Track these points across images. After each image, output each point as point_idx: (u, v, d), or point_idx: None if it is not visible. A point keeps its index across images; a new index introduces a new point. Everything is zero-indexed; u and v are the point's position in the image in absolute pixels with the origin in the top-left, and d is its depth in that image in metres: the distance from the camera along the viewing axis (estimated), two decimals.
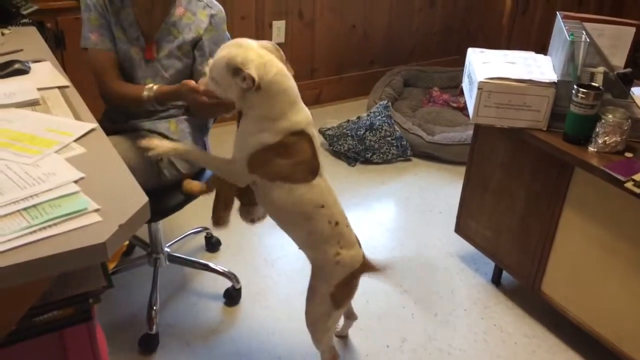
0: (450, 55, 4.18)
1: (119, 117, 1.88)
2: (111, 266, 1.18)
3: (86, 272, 1.10)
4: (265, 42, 1.42)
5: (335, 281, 1.58)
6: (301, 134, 1.44)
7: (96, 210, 1.04)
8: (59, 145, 1.26)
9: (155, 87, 1.72)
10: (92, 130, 1.34)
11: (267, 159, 1.44)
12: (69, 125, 1.36)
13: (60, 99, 1.52)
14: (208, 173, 1.97)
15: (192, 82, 1.60)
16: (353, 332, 1.97)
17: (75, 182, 1.12)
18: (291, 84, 1.42)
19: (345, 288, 1.60)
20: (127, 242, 1.23)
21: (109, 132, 1.81)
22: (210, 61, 1.43)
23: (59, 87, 1.58)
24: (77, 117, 1.42)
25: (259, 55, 1.36)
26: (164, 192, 1.83)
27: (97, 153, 1.25)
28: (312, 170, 1.48)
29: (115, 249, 1.03)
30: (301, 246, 1.61)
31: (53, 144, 1.26)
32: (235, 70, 1.34)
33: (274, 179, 1.47)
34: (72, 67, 1.90)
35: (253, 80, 1.32)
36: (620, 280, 1.71)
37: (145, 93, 1.72)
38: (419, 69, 3.88)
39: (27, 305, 1.00)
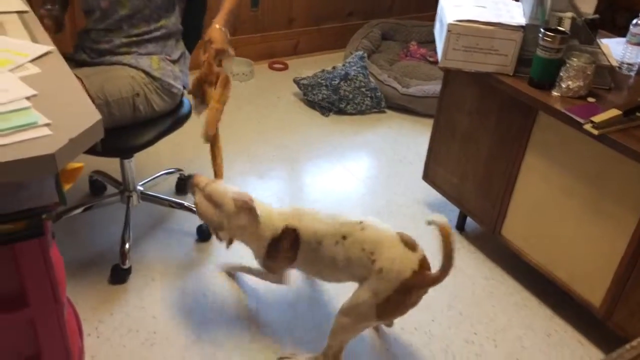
0: (429, 11, 4.14)
1: (94, 52, 1.84)
2: (67, 187, 1.17)
3: (39, 188, 1.09)
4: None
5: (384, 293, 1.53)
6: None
7: (47, 125, 1.04)
8: (13, 64, 1.24)
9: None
10: (48, 52, 1.32)
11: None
12: (25, 46, 1.34)
13: (18, 23, 1.49)
14: (185, 108, 1.98)
15: None
16: None
17: (27, 98, 1.11)
18: None
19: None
20: (81, 165, 1.23)
21: (83, 65, 1.80)
22: None
23: (18, 12, 1.54)
24: (35, 40, 1.39)
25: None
26: (138, 128, 1.83)
27: (52, 74, 1.24)
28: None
29: (66, 162, 1.02)
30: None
31: (7, 63, 1.24)
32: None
33: None
34: None
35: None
36: (575, 222, 1.76)
37: None
38: (397, 22, 3.84)
39: None
